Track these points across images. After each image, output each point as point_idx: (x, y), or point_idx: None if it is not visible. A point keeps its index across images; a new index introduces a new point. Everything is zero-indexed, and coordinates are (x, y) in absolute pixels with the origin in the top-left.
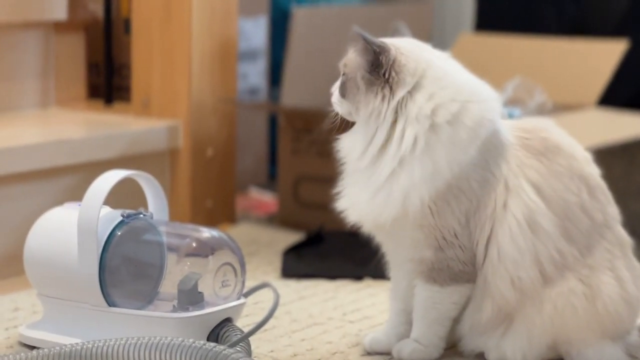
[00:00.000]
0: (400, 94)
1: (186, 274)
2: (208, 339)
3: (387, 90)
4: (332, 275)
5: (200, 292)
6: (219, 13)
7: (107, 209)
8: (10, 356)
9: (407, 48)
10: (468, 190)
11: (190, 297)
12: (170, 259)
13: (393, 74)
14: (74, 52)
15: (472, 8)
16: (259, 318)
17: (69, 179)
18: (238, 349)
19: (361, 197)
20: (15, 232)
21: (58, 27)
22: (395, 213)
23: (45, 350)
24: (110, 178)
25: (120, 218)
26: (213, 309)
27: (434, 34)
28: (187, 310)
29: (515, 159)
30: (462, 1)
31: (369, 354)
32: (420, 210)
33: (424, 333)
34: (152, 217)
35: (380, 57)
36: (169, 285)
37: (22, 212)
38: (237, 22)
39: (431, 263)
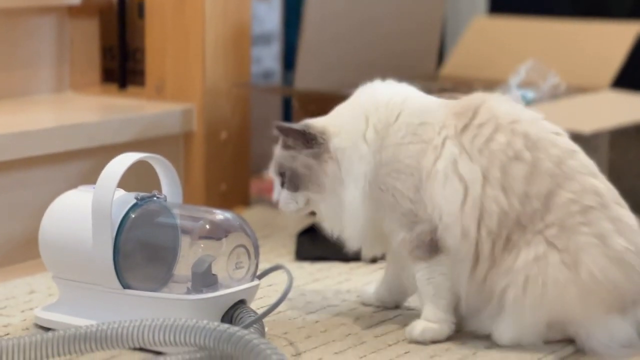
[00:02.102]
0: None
1: (200, 256)
2: (222, 321)
3: (324, 151)
4: (345, 257)
5: (214, 274)
6: None
7: (121, 192)
8: (26, 338)
9: (316, 120)
10: (404, 168)
11: (204, 279)
12: (184, 241)
13: (320, 138)
14: (88, 36)
15: None
16: (272, 300)
17: (84, 162)
18: (252, 330)
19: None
20: (31, 216)
21: (72, 11)
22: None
23: (61, 332)
24: (124, 161)
25: (134, 201)
26: (227, 291)
27: (448, 18)
28: (201, 292)
29: (440, 123)
30: None
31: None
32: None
33: (429, 310)
34: (166, 200)
35: (307, 130)
36: (183, 268)
37: (37, 196)
38: (251, 6)
39: (409, 242)
